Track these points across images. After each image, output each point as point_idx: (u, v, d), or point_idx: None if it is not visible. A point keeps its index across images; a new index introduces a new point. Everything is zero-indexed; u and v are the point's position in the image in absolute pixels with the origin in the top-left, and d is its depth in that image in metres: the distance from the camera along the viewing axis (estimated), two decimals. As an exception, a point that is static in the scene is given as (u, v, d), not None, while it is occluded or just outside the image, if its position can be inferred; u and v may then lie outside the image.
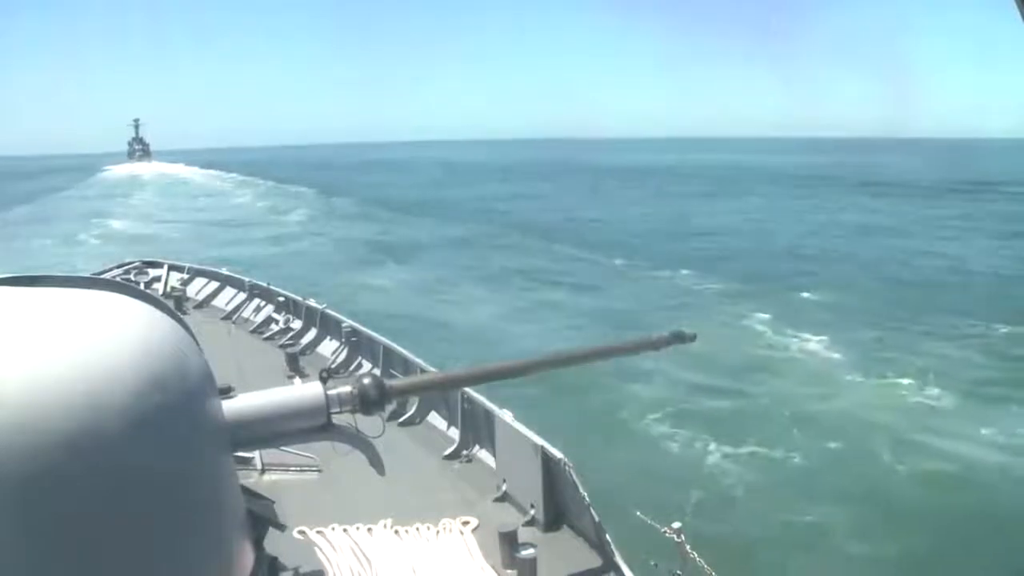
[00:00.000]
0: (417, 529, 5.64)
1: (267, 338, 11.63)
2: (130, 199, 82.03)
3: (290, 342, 11.16)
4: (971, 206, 61.10)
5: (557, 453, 5.57)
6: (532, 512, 5.81)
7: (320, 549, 5.40)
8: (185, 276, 14.80)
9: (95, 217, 60.38)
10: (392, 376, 8.50)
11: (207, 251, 36.08)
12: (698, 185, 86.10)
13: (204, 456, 2.47)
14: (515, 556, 5.03)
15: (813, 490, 12.87)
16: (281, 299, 12.33)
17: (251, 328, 12.20)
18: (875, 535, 11.33)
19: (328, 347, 10.71)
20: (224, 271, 14.50)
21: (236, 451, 2.95)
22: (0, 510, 1.98)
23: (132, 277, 13.78)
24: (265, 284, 13.01)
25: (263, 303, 12.82)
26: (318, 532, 5.57)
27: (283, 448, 5.59)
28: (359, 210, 64.60)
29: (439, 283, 32.18)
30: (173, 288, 14.13)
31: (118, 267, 15.24)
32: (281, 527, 3.17)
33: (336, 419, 3.18)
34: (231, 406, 2.87)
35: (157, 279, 14.73)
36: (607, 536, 5.11)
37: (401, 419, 7.85)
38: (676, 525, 4.83)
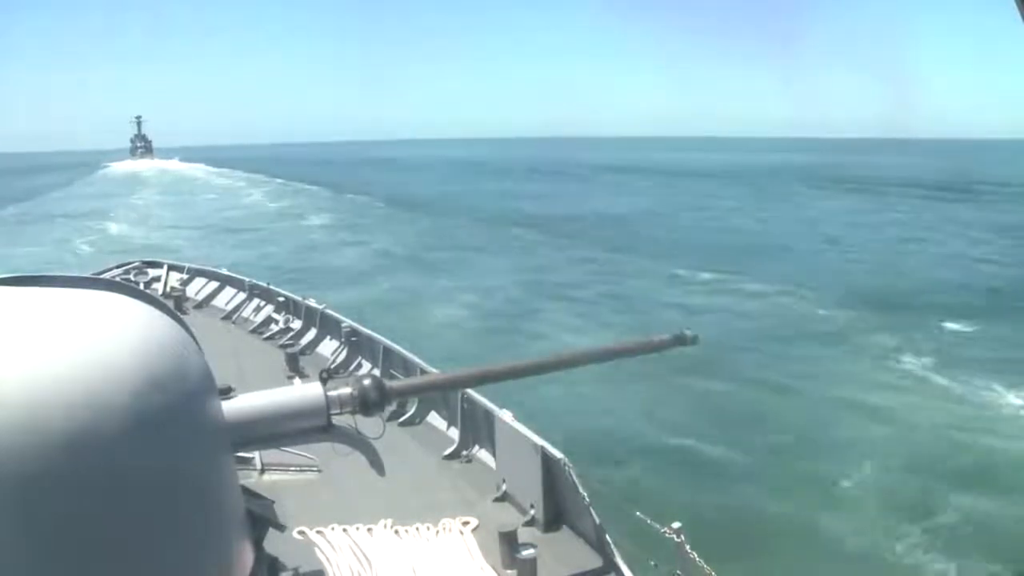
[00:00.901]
0: (417, 529, 5.65)
1: (267, 338, 11.64)
2: (131, 198, 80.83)
3: (290, 342, 11.17)
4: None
5: (557, 453, 5.58)
6: (532, 512, 5.81)
7: (320, 549, 5.40)
8: (185, 276, 14.81)
9: (106, 205, 60.19)
10: (392, 376, 8.51)
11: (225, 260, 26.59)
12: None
13: (204, 456, 2.47)
14: (515, 556, 5.04)
15: None
16: (281, 299, 12.34)
17: (251, 328, 12.21)
18: None
19: (328, 347, 10.72)
20: (224, 271, 14.51)
21: (236, 452, 2.95)
22: (0, 510, 1.98)
23: (132, 277, 13.79)
24: (265, 284, 13.03)
25: (263, 303, 12.83)
26: (318, 532, 5.57)
27: (283, 448, 5.60)
28: (392, 212, 59.17)
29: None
30: (173, 288, 14.15)
31: (118, 267, 15.25)
32: (281, 527, 3.17)
33: (336, 420, 3.18)
34: (231, 406, 2.87)
35: (157, 279, 14.75)
36: (607, 536, 5.11)
37: (401, 419, 7.86)
38: (676, 525, 4.83)
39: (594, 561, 5.19)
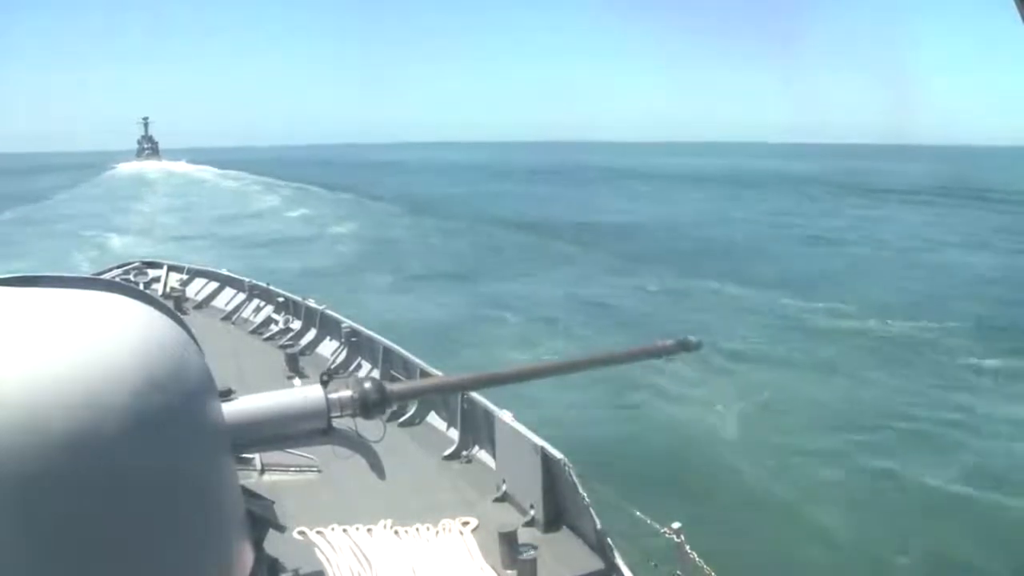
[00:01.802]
0: (417, 530, 5.65)
1: (267, 338, 11.64)
2: (139, 202, 77.91)
3: (290, 342, 11.17)
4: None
5: (557, 453, 5.58)
6: (532, 512, 5.81)
7: (320, 550, 5.40)
8: (185, 277, 14.82)
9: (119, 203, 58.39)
10: (392, 377, 8.51)
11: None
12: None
13: (204, 457, 2.47)
14: (515, 556, 5.04)
15: None
16: (281, 299, 12.34)
17: (251, 328, 12.21)
18: None
19: (328, 347, 10.72)
20: (224, 271, 14.51)
21: (236, 453, 2.95)
22: (0, 510, 1.98)
23: (132, 278, 13.80)
24: (265, 284, 13.03)
25: (263, 303, 12.83)
26: (318, 533, 5.57)
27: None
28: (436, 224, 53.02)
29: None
30: (173, 289, 14.16)
31: (118, 267, 15.28)
32: (281, 528, 3.16)
33: (336, 422, 3.18)
34: (231, 408, 2.86)
35: (156, 279, 14.75)
36: (607, 536, 5.11)
37: (401, 419, 7.86)
38: (676, 525, 4.83)
39: (594, 561, 5.19)
